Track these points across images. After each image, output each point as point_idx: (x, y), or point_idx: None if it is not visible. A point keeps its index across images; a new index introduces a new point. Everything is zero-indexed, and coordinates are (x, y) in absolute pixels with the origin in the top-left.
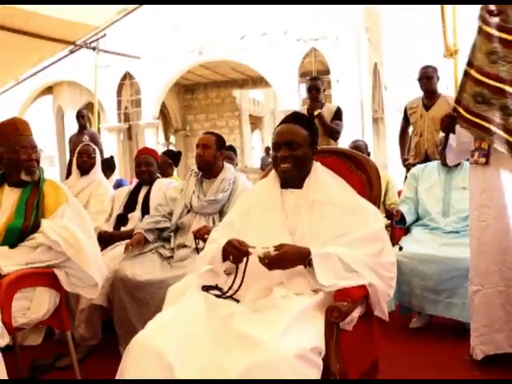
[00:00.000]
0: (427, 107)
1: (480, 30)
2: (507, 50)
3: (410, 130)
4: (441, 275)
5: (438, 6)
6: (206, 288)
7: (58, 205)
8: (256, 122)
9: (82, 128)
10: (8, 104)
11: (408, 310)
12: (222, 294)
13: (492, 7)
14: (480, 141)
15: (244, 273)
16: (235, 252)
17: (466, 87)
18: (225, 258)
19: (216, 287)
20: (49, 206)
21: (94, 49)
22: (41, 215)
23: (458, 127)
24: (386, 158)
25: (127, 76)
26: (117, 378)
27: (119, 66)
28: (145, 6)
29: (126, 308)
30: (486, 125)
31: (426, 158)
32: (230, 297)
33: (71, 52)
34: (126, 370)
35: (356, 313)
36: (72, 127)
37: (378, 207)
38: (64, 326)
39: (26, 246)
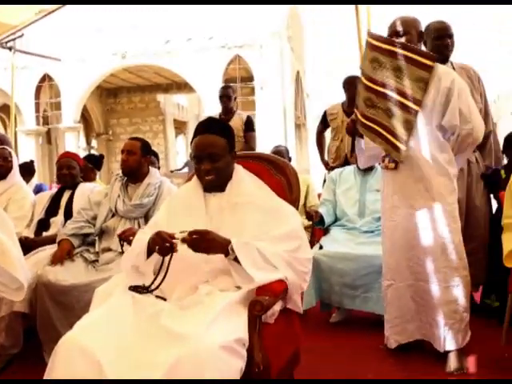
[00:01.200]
0: (348, 114)
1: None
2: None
3: (327, 133)
4: (357, 272)
5: (354, 20)
6: (133, 288)
7: None
8: (181, 126)
9: None
10: None
11: (328, 306)
12: (147, 290)
13: (399, 28)
14: None
15: (168, 268)
16: (162, 243)
17: (360, 93)
18: (150, 253)
19: (143, 286)
20: None
21: (10, 49)
22: None
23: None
24: (309, 162)
25: (46, 78)
26: (46, 374)
27: (37, 67)
28: (66, 7)
29: (50, 313)
30: (379, 129)
31: (346, 162)
32: (153, 290)
33: None
34: (54, 370)
35: (277, 306)
36: None
37: (297, 208)
38: None
39: None
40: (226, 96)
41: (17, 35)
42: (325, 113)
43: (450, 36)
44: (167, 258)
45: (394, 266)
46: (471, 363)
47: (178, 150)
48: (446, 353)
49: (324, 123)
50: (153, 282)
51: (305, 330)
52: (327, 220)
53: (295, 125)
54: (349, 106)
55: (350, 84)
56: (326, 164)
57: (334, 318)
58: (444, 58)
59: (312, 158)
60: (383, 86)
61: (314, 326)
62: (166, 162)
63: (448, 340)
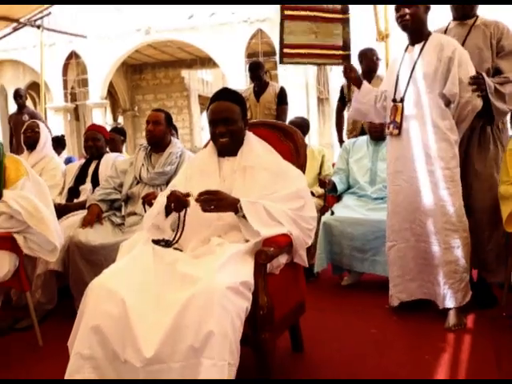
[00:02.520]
0: None
1: None
2: None
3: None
4: (366, 236)
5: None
6: (155, 241)
7: (18, 177)
8: (205, 102)
9: (21, 107)
10: None
11: (340, 270)
12: (168, 245)
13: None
14: (394, 114)
15: (184, 220)
16: (176, 200)
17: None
18: (168, 212)
19: (163, 240)
20: (10, 179)
21: (38, 27)
22: (2, 186)
23: (363, 88)
24: (331, 136)
25: (73, 55)
26: (78, 314)
27: (64, 44)
28: None
29: (81, 271)
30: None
31: (362, 133)
32: (173, 243)
33: (15, 30)
34: (85, 309)
35: (283, 259)
36: (16, 107)
37: (304, 172)
38: (24, 286)
39: None
40: (256, 78)
41: (44, 13)
42: (342, 88)
43: None
44: (182, 213)
45: (396, 228)
46: (470, 320)
47: (202, 126)
48: (447, 310)
49: (342, 100)
50: (174, 238)
51: (316, 292)
52: (339, 188)
53: (318, 99)
54: (364, 78)
55: (364, 56)
56: (342, 142)
57: (346, 281)
58: (463, 15)
59: (334, 132)
60: (309, 47)
61: (325, 288)
62: (191, 138)
63: (448, 298)
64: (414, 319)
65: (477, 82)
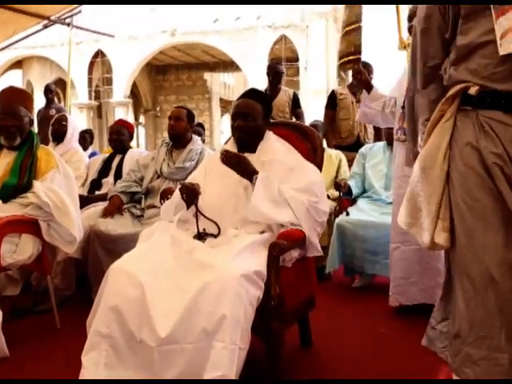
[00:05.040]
0: (355, 94)
1: None
2: None
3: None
4: (378, 239)
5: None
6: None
7: (48, 169)
8: (226, 105)
9: (50, 102)
10: None
11: (351, 271)
12: (201, 236)
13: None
14: (402, 120)
15: (197, 207)
16: (186, 191)
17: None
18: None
19: (203, 232)
20: (40, 169)
21: (68, 25)
22: (33, 176)
23: (372, 93)
24: None
25: (99, 54)
26: (97, 295)
27: (91, 43)
28: None
29: (100, 259)
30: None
31: (358, 140)
32: (205, 234)
33: (45, 27)
34: (105, 288)
35: (295, 253)
36: (42, 102)
37: (320, 170)
38: (45, 270)
39: (18, 203)
40: (272, 70)
41: (75, 12)
42: (332, 93)
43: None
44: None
45: (402, 231)
46: None
47: (222, 130)
48: None
49: (332, 106)
50: (197, 228)
51: (327, 292)
52: (354, 191)
53: None
54: (358, 87)
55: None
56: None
57: (357, 283)
58: None
59: None
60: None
61: (336, 289)
62: (211, 140)
63: None
64: (424, 321)
65: None
